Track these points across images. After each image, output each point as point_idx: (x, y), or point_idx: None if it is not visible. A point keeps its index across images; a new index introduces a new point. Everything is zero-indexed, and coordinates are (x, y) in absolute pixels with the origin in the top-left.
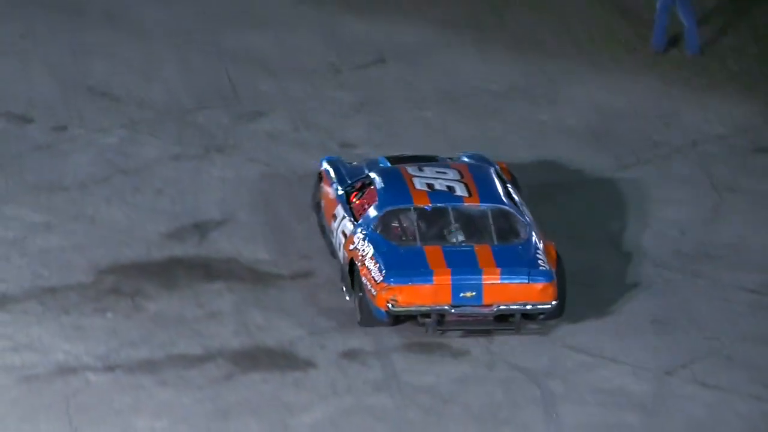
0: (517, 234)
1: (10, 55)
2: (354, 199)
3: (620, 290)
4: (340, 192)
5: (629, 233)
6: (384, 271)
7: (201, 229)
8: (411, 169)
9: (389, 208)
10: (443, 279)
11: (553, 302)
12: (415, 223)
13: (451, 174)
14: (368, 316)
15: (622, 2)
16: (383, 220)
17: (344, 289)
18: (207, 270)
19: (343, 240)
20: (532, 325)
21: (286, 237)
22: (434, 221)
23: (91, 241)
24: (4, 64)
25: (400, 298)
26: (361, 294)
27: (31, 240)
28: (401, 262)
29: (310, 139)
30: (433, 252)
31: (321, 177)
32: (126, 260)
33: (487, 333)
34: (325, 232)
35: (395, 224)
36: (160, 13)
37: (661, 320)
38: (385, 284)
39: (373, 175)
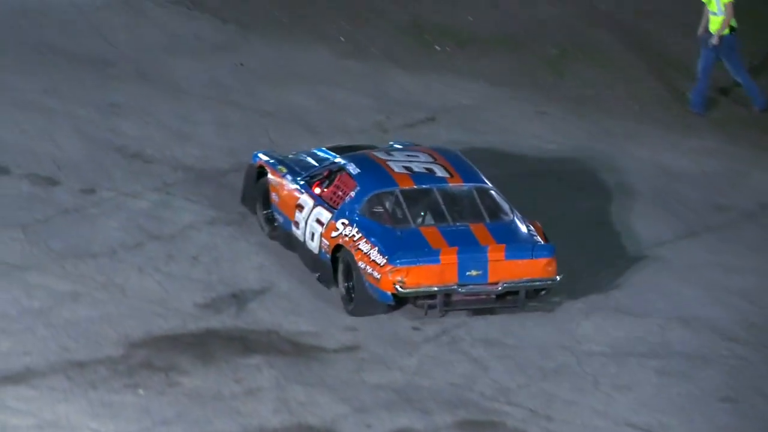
0: (504, 212)
1: (34, 111)
2: (318, 188)
3: (687, 364)
4: (301, 182)
5: (696, 303)
6: (387, 254)
7: (239, 299)
8: (380, 155)
9: (375, 192)
10: (450, 258)
11: (557, 277)
12: (404, 205)
13: (423, 157)
14: (364, 303)
15: (687, 61)
16: (370, 204)
17: (319, 277)
18: (245, 343)
19: (319, 228)
20: (533, 303)
21: (330, 307)
22: (422, 202)
23: (122, 311)
24: (27, 121)
25: (407, 279)
26: (349, 282)
27: (57, 310)
28: (402, 244)
29: None
30: (430, 232)
31: (261, 170)
32: (159, 332)
33: (490, 312)
34: (272, 226)
35: (382, 207)
36: (195, 69)
37: (732, 398)
38: (391, 266)
39: (342, 161)
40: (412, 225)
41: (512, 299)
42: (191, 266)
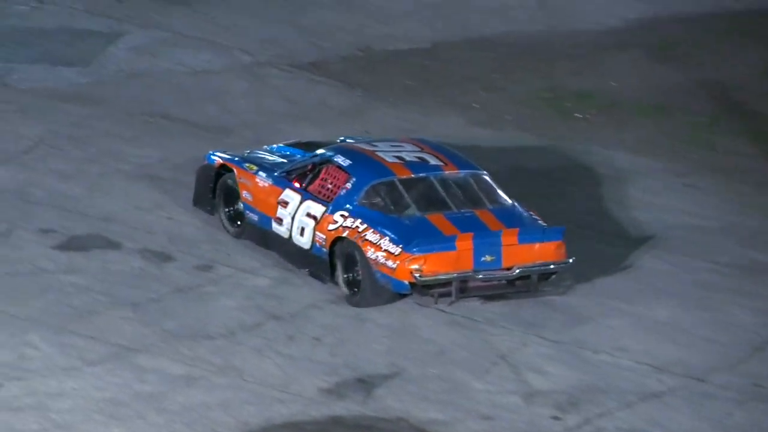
0: (502, 197)
1: (146, 182)
2: (301, 182)
3: None
4: (280, 177)
5: None
6: (401, 242)
7: (365, 384)
8: (365, 146)
9: (373, 182)
10: (466, 244)
11: (570, 260)
12: (405, 194)
13: (409, 147)
14: (371, 294)
15: None
16: (369, 194)
17: (310, 272)
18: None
19: (312, 222)
20: (545, 287)
21: (464, 393)
22: (421, 191)
23: (240, 396)
24: (139, 193)
25: (425, 267)
26: (350, 273)
27: (170, 395)
28: (413, 232)
29: None
30: (438, 220)
31: (224, 169)
32: (279, 419)
33: (503, 297)
34: (235, 225)
35: (382, 197)
36: (318, 136)
37: None
38: (408, 254)
39: (327, 154)
40: (418, 213)
41: (522, 284)
42: (313, 348)
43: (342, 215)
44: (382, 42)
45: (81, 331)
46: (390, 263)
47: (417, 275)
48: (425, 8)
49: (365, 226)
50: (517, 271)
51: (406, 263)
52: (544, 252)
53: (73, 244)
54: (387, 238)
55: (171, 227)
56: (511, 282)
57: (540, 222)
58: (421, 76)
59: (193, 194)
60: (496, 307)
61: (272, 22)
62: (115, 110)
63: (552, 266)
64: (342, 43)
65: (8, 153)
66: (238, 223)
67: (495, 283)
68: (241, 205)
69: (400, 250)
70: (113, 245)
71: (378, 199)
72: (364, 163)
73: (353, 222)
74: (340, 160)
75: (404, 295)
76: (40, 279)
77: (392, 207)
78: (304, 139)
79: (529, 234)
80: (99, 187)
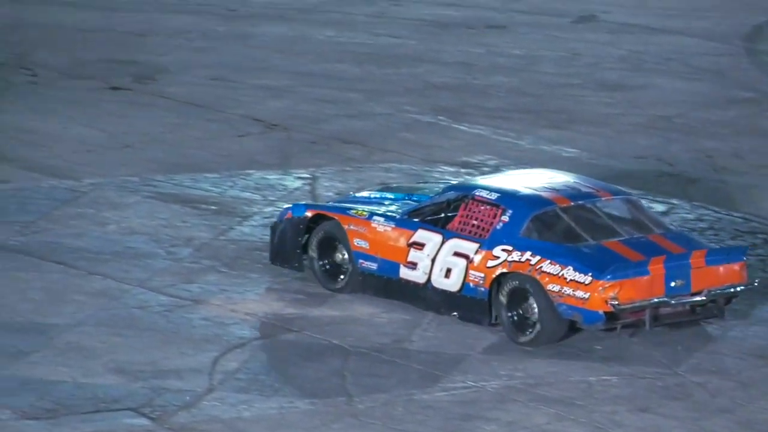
0: (660, 220)
1: None
2: (433, 222)
3: None
4: (411, 219)
5: None
6: (590, 270)
7: None
8: (501, 177)
9: (536, 212)
10: (658, 268)
11: (755, 282)
12: (571, 223)
13: (546, 175)
14: (550, 330)
15: None
16: (533, 225)
17: (460, 316)
18: None
19: (462, 262)
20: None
21: None
22: (584, 218)
23: None
24: None
25: (620, 294)
26: (515, 311)
27: None
28: (600, 259)
29: None
30: (616, 246)
31: (322, 219)
32: None
33: (694, 323)
34: (332, 278)
35: (548, 228)
36: None
37: None
38: (602, 282)
39: (464, 189)
40: (592, 241)
41: (705, 309)
42: None
43: (505, 250)
44: None
45: None
46: (580, 293)
47: (615, 303)
48: None
49: (539, 257)
50: (708, 294)
51: (600, 291)
52: (729, 274)
53: None
54: (570, 267)
55: None
56: (692, 308)
57: (716, 245)
58: None
59: (270, 251)
60: None
61: None
62: None
63: (739, 288)
64: None
65: None
66: (341, 277)
67: (680, 309)
68: (339, 257)
69: (590, 278)
70: None
71: (543, 230)
72: (516, 195)
73: (521, 255)
74: (484, 194)
75: (577, 331)
76: None
77: (562, 237)
78: (392, 185)
79: (715, 255)
80: None
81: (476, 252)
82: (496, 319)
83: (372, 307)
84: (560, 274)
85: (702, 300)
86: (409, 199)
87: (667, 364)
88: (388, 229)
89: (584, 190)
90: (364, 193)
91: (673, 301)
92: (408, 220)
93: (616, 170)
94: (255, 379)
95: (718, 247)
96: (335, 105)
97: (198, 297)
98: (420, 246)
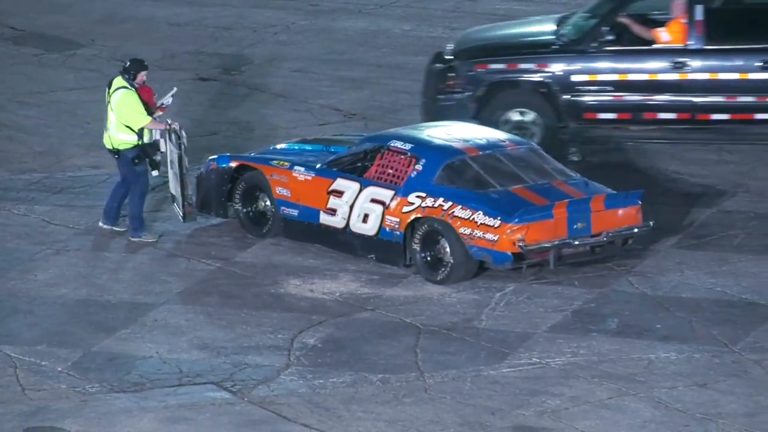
0: (563, 168)
1: None
2: (350, 171)
3: None
4: (330, 168)
5: None
6: (499, 214)
7: None
8: (413, 130)
9: (447, 161)
10: (562, 212)
11: (650, 224)
12: (480, 171)
13: (458, 127)
14: (460, 269)
15: None
16: (445, 173)
17: (377, 258)
18: None
19: (379, 208)
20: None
21: None
22: (493, 166)
23: None
24: None
25: (527, 236)
26: (427, 251)
27: None
28: (507, 204)
29: None
30: (522, 192)
31: (246, 169)
32: None
33: (589, 263)
34: (255, 225)
35: (458, 175)
36: None
37: None
38: (510, 225)
39: (379, 141)
40: (500, 187)
41: (604, 249)
42: None
43: (419, 196)
44: None
45: None
46: (490, 236)
47: (522, 245)
48: None
49: (451, 203)
50: (606, 236)
51: (509, 233)
52: (627, 217)
53: None
54: (480, 212)
55: None
56: (592, 248)
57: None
58: None
59: (196, 200)
60: None
61: None
62: None
63: (636, 230)
64: None
65: None
66: (266, 223)
67: (582, 249)
68: (262, 204)
69: (499, 222)
70: None
71: (454, 178)
72: (429, 146)
73: (434, 201)
74: (399, 144)
75: (484, 269)
76: None
77: (472, 183)
78: (309, 137)
79: (613, 199)
80: None
81: (392, 198)
82: (410, 260)
83: (443, 287)
84: (471, 218)
85: (602, 241)
86: (327, 151)
87: (724, 342)
88: (309, 178)
89: (492, 140)
90: (284, 145)
91: (575, 242)
92: (327, 170)
93: None
94: (331, 355)
95: (616, 192)
96: (411, 96)
97: (278, 278)
98: (339, 193)
